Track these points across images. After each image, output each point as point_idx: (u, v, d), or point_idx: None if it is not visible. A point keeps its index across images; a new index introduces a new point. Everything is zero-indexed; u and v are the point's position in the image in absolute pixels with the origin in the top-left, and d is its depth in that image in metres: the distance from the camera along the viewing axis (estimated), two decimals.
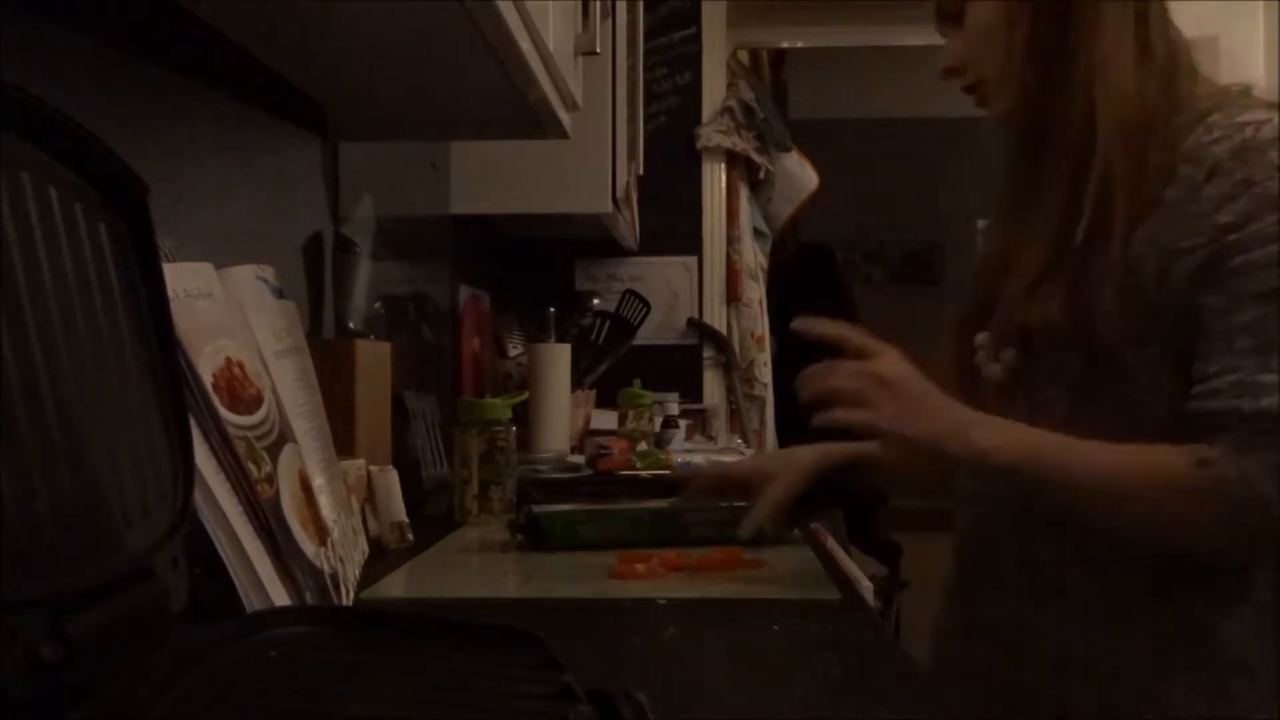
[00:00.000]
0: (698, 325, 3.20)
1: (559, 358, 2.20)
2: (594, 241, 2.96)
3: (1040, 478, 0.93)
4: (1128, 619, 0.95)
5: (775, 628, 0.88)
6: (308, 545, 0.82)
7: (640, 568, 1.08)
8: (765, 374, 3.29)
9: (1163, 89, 0.95)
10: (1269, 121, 0.89)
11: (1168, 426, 0.90)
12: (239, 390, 0.79)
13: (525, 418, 2.21)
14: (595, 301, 2.67)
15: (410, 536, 1.23)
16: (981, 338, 1.06)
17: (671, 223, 3.17)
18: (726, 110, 3.21)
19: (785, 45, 3.82)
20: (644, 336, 2.77)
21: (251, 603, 0.73)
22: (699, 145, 3.20)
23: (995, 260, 1.07)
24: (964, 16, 1.00)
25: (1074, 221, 0.94)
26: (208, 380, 0.75)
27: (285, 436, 0.85)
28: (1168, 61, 0.97)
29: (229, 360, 0.79)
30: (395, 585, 1.05)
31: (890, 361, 0.97)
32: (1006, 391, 1.01)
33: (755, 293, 3.29)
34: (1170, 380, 0.91)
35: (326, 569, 0.85)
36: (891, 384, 0.95)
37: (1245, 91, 0.95)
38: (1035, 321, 0.95)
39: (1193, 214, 0.88)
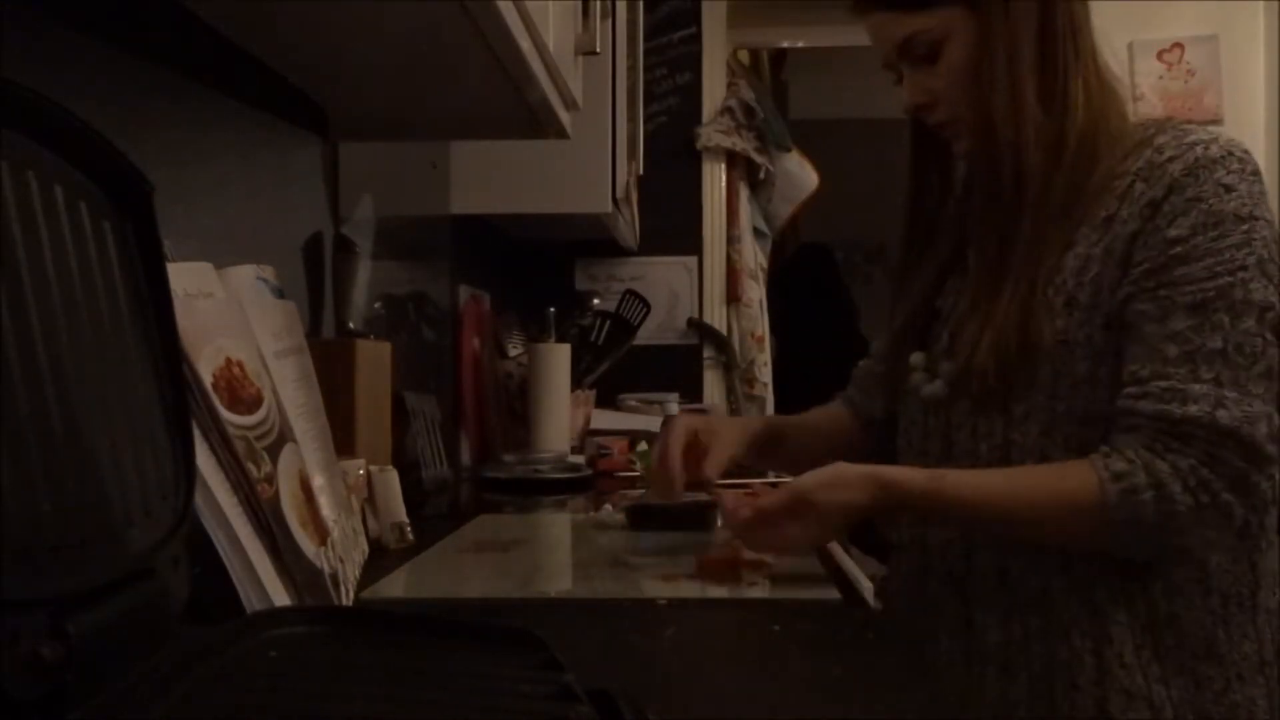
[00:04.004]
0: (698, 325, 3.20)
1: (559, 358, 2.20)
2: (594, 241, 2.96)
3: (952, 516, 1.02)
4: (1107, 622, 0.99)
5: (775, 628, 0.88)
6: (308, 545, 0.82)
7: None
8: (765, 374, 3.29)
9: (1093, 123, 1.03)
10: (1215, 140, 0.97)
11: (1086, 424, 0.98)
12: (239, 390, 0.79)
13: (525, 418, 2.22)
14: (595, 301, 2.67)
15: (410, 536, 1.23)
16: (916, 358, 1.12)
17: (671, 223, 3.17)
18: (726, 110, 3.21)
19: (785, 45, 3.82)
20: (644, 336, 2.77)
21: (251, 603, 0.73)
22: (699, 145, 3.20)
23: (924, 284, 1.14)
24: (939, 56, 1.04)
25: (1012, 245, 1.02)
26: (208, 380, 0.75)
27: (285, 436, 0.85)
28: (1101, 97, 1.05)
29: (229, 360, 0.79)
30: (395, 585, 1.05)
31: (763, 498, 1.04)
32: (943, 407, 1.08)
33: (755, 293, 3.29)
34: (1091, 385, 0.98)
35: (326, 569, 0.85)
36: (780, 511, 1.02)
37: (1175, 121, 1.03)
38: (983, 338, 1.01)
39: (1149, 230, 0.96)
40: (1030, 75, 1.01)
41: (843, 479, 1.00)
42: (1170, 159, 0.96)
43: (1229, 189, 0.94)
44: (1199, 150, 0.96)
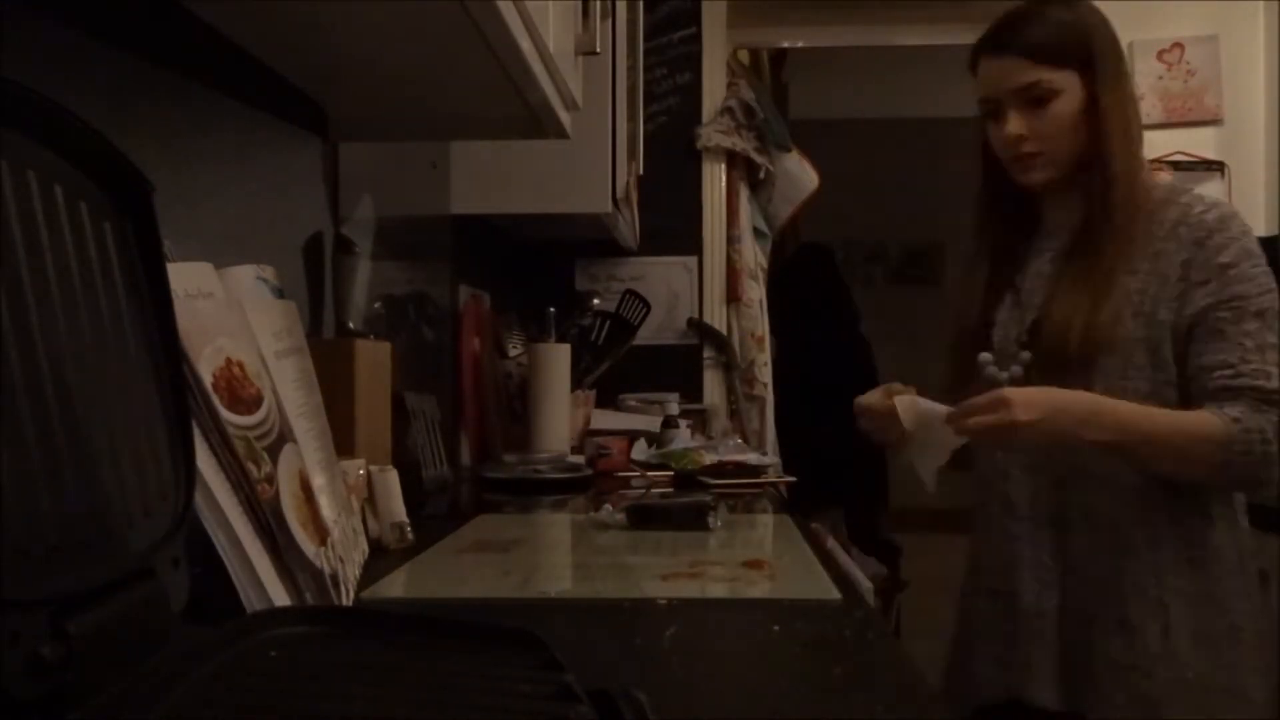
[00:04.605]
0: (698, 325, 3.20)
1: (559, 358, 2.20)
2: (594, 241, 2.96)
3: (1108, 427, 1.25)
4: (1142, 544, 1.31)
5: (775, 628, 0.88)
6: (308, 545, 0.82)
7: None
8: (765, 374, 3.29)
9: (1143, 178, 1.39)
10: (1219, 203, 1.35)
11: (1138, 397, 1.28)
12: (239, 390, 0.79)
13: (525, 417, 2.22)
14: (595, 301, 2.67)
15: (410, 536, 1.23)
16: (985, 356, 1.39)
17: (671, 223, 3.17)
18: (726, 110, 3.21)
19: (785, 45, 3.82)
20: (644, 336, 2.77)
21: (251, 603, 0.73)
22: (699, 145, 3.20)
23: (987, 291, 1.45)
24: (1047, 106, 1.35)
25: (1099, 262, 1.33)
26: (208, 380, 0.75)
27: (285, 436, 0.85)
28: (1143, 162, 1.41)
29: (229, 360, 0.79)
30: (395, 585, 1.05)
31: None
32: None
33: (755, 293, 3.29)
34: (1146, 370, 1.30)
35: (326, 569, 0.85)
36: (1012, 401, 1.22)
37: (1179, 187, 1.40)
38: (1076, 334, 1.30)
39: (1200, 258, 1.29)
40: (1138, 136, 1.39)
41: (1032, 394, 1.23)
42: (1203, 211, 1.31)
43: (1246, 233, 1.31)
44: (1221, 208, 1.33)
